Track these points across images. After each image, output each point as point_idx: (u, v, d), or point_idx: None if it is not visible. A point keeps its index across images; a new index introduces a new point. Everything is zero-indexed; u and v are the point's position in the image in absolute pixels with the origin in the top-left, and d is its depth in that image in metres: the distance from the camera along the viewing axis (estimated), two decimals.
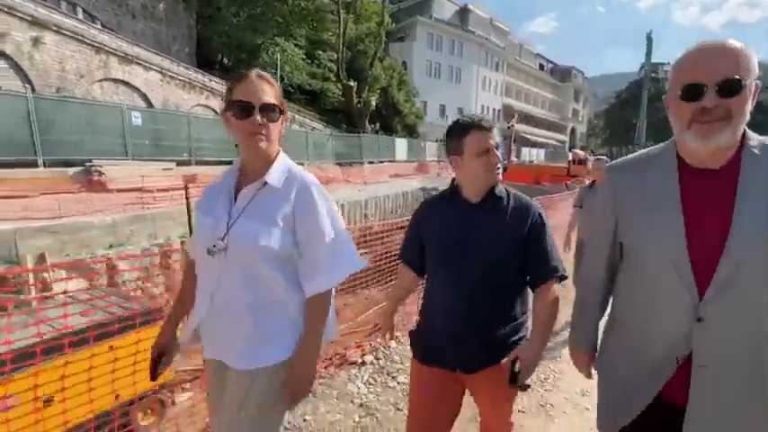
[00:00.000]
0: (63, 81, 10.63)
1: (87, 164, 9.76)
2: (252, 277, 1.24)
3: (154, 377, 1.44)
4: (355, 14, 26.63)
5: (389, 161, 25.29)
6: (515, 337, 1.56)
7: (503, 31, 52.51)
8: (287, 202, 1.25)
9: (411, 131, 31.55)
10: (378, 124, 27.05)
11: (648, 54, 42.69)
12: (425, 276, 1.77)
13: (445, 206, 1.65)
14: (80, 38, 10.83)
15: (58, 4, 11.98)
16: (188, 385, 5.05)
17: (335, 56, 25.81)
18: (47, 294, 6.77)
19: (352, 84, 24.16)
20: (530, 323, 1.60)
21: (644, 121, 41.30)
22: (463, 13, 46.03)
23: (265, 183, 1.26)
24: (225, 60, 23.31)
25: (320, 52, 25.72)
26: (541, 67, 65.19)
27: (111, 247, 8.55)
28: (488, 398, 1.64)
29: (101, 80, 11.77)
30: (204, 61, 20.84)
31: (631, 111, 56.84)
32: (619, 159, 1.34)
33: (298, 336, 1.30)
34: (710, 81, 1.00)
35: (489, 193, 1.57)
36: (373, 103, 25.62)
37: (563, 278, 1.54)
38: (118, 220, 8.54)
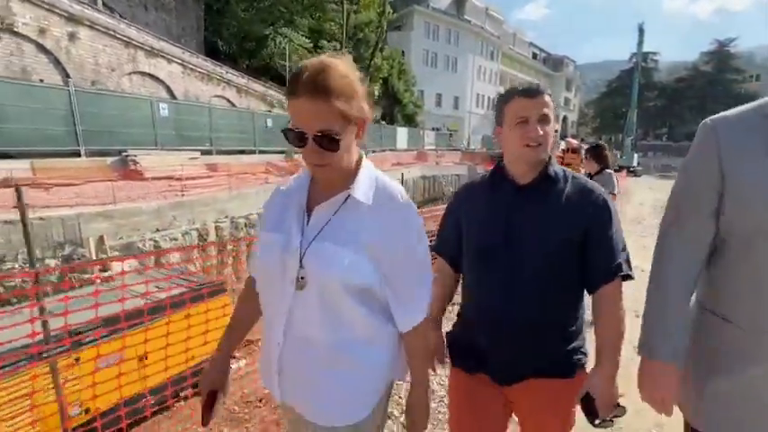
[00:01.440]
0: (97, 74, 11.15)
1: (123, 153, 10.39)
2: (330, 312, 1.03)
3: (206, 421, 1.20)
4: (357, 4, 27.02)
5: (390, 150, 26.00)
6: (569, 347, 1.34)
7: (497, 21, 52.89)
8: (376, 222, 1.02)
9: (410, 120, 32.18)
10: (380, 114, 27.68)
11: (640, 44, 43.47)
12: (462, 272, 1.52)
13: (489, 189, 1.41)
14: (111, 33, 11.32)
15: None
16: (238, 354, 5.77)
17: (337, 45, 26.24)
18: (109, 274, 7.52)
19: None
20: (584, 331, 1.39)
21: (635, 109, 42.29)
22: (459, 1, 46.30)
23: (348, 196, 1.03)
24: (227, 50, 23.64)
25: (324, 42, 26.12)
26: (534, 56, 65.85)
27: (157, 230, 9.30)
28: (532, 416, 1.40)
29: (129, 73, 12.29)
30: (210, 51, 21.20)
31: (621, 99, 57.88)
32: (721, 114, 1.07)
33: (382, 385, 1.13)
34: None
35: (541, 173, 1.32)
36: (376, 93, 26.19)
37: (628, 278, 1.28)
38: (163, 206, 9.27)
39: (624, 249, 1.29)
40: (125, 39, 11.71)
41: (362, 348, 1.06)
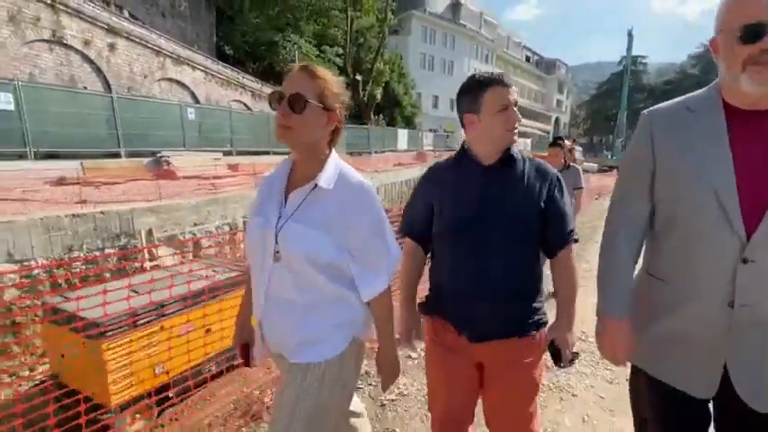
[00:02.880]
0: (132, 81, 11.93)
1: (158, 155, 11.22)
2: (300, 280, 1.22)
3: (248, 364, 1.51)
4: (359, 10, 27.90)
5: (391, 151, 26.89)
6: (532, 309, 1.45)
7: (492, 25, 53.87)
8: (338, 206, 1.20)
9: (408, 122, 33.07)
10: (381, 116, 28.56)
11: (629, 49, 44.83)
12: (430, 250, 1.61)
13: (456, 171, 1.51)
14: (144, 42, 12.12)
15: (107, 6, 13.14)
16: None
17: (340, 50, 27.13)
18: (156, 263, 8.37)
19: (358, 78, 25.57)
20: (544, 291, 1.52)
21: (624, 112, 43.58)
22: (455, 6, 47.23)
23: (315, 185, 1.20)
24: (234, 54, 24.45)
25: (327, 47, 26.96)
26: (528, 59, 66.80)
27: (195, 224, 10.20)
28: (502, 374, 1.48)
29: (159, 80, 13.09)
30: (218, 55, 22.00)
31: (612, 101, 59.22)
32: (656, 106, 1.25)
33: (347, 334, 1.31)
34: None
35: (504, 154, 1.44)
36: (378, 96, 27.09)
37: (576, 241, 1.47)
38: (200, 202, 10.17)
39: (573, 219, 1.48)
40: (156, 48, 12.51)
41: (328, 306, 1.27)
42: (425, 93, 40.44)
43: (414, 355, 3.26)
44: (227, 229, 10.86)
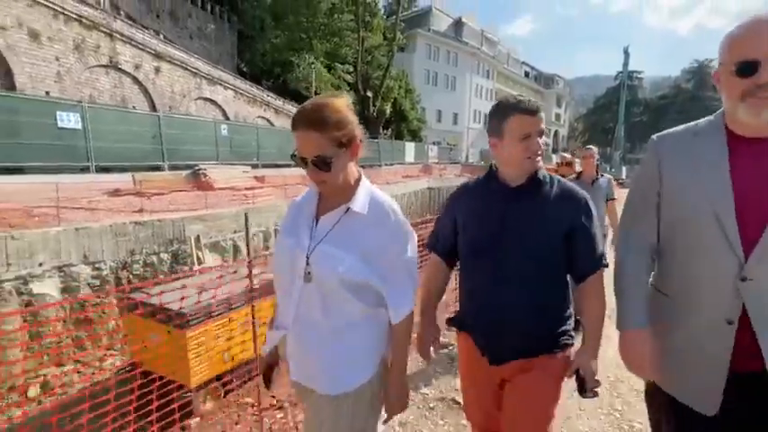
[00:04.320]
0: (173, 101, 12.86)
1: (195, 168, 12.09)
2: (330, 301, 1.22)
3: (268, 387, 1.47)
4: (370, 31, 29.11)
5: (399, 163, 27.78)
6: (558, 330, 1.45)
7: (492, 42, 55.21)
8: (372, 230, 1.22)
9: (414, 135, 34.04)
10: (390, 130, 29.59)
11: (625, 65, 45.93)
12: (458, 267, 1.63)
13: (483, 190, 1.53)
14: (184, 65, 13.09)
15: (144, 31, 14.13)
16: None
17: (350, 68, 28.24)
18: (205, 266, 9.15)
19: (369, 95, 26.65)
20: (572, 317, 1.51)
21: (622, 125, 44.59)
22: (458, 25, 48.49)
23: (348, 209, 1.21)
24: (249, 71, 25.58)
25: (338, 64, 28.08)
26: (527, 74, 68.14)
27: (235, 231, 11.05)
28: (520, 393, 1.46)
29: (196, 99, 14.04)
30: (237, 73, 23.13)
31: (609, 115, 60.30)
32: (664, 132, 1.29)
33: (376, 357, 1.30)
34: (765, 57, 0.99)
35: (531, 176, 1.44)
36: (387, 111, 28.13)
37: (606, 266, 1.45)
38: (239, 211, 11.02)
39: (603, 245, 1.46)
40: (194, 69, 13.47)
41: (356, 330, 1.25)
42: (429, 107, 41.38)
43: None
44: (261, 236, 11.71)
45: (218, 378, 3.62)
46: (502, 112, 1.41)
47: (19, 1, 9.44)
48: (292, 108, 20.43)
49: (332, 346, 1.25)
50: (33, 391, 5.09)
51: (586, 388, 1.38)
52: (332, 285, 1.20)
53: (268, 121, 18.01)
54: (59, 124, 8.57)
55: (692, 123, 1.24)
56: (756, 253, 1.04)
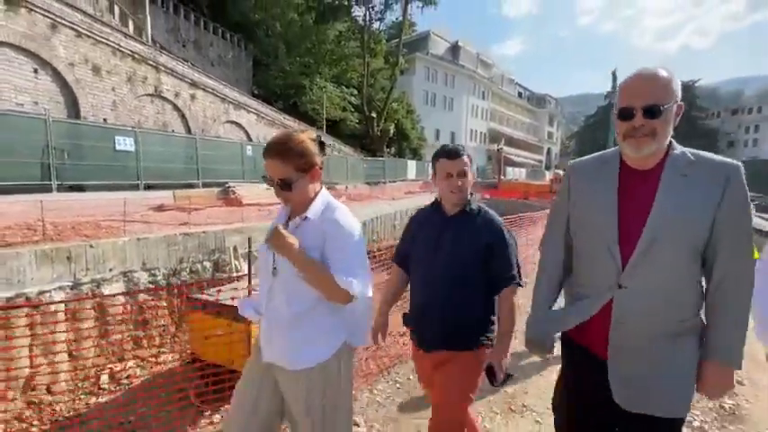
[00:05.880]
0: (205, 124, 13.88)
1: (225, 185, 13.06)
2: (291, 292, 1.45)
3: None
4: (374, 57, 30.56)
5: (402, 180, 28.81)
6: (480, 332, 1.73)
7: (488, 65, 56.94)
8: (323, 231, 1.45)
9: (415, 153, 35.20)
10: (393, 148, 30.79)
11: (614, 87, 47.80)
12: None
13: (429, 216, 1.87)
14: (214, 92, 14.18)
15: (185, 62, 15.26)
16: None
17: (354, 90, 29.61)
18: (242, 273, 10.00)
19: (373, 116, 27.94)
20: (494, 324, 1.75)
21: (612, 144, 46.15)
22: (455, 49, 50.12)
23: (306, 217, 1.46)
24: (260, 94, 26.89)
25: (344, 87, 29.40)
26: (520, 94, 69.55)
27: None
28: (443, 377, 1.74)
29: (224, 122, 15.10)
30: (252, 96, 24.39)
31: (599, 133, 61.65)
32: (578, 159, 1.51)
33: (334, 339, 1.52)
34: (638, 105, 1.18)
35: (462, 208, 1.76)
36: (391, 131, 29.39)
37: (519, 285, 1.70)
38: (268, 225, 12.05)
39: (517, 264, 1.72)
40: (222, 96, 14.57)
41: (314, 315, 1.48)
42: (428, 126, 42.33)
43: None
44: None
45: None
46: (435, 157, 1.80)
47: (85, 40, 10.54)
48: (306, 129, 21.53)
49: (293, 330, 1.47)
50: (105, 381, 5.75)
51: (495, 379, 1.61)
52: (292, 278, 1.43)
53: None
54: (117, 147, 9.56)
55: (601, 152, 1.45)
56: (629, 266, 1.23)
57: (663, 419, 1.25)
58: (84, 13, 10.84)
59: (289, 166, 1.42)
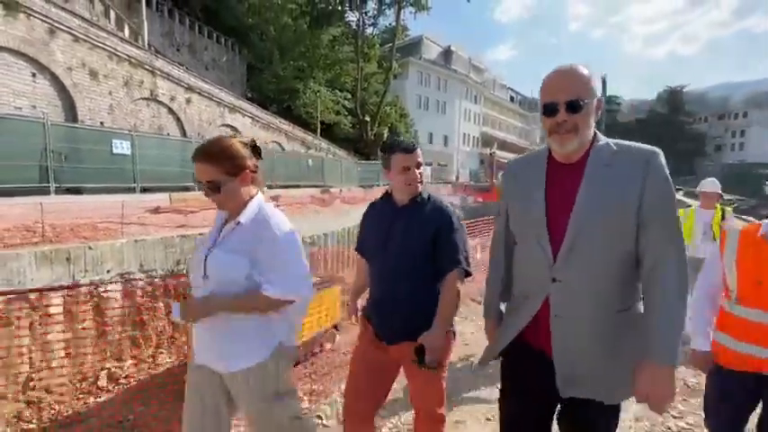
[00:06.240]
0: (200, 128, 13.98)
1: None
2: (221, 293, 1.44)
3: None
4: (368, 62, 30.82)
5: None
6: (432, 318, 1.68)
7: (479, 69, 57.29)
8: (256, 237, 1.44)
9: None
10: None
11: (603, 93, 48.36)
12: None
13: (381, 207, 1.90)
14: (210, 96, 14.31)
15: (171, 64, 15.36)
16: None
17: (348, 94, 29.80)
18: None
19: (367, 120, 28.17)
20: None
21: None
22: (447, 53, 50.36)
23: (239, 222, 1.46)
24: (253, 97, 27.04)
25: (337, 91, 29.61)
26: (512, 98, 70.11)
27: None
28: (410, 369, 1.75)
29: (219, 125, 15.20)
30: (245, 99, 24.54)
31: None
32: (514, 158, 1.54)
33: (269, 341, 1.51)
34: (561, 100, 1.19)
35: (412, 198, 1.78)
36: (385, 134, 29.61)
37: (467, 273, 1.72)
38: None
39: (465, 251, 1.73)
40: (218, 99, 14.70)
41: (243, 319, 1.46)
42: (421, 130, 42.36)
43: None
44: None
45: None
46: (389, 150, 1.79)
47: (83, 45, 10.65)
48: (300, 133, 21.71)
49: (226, 333, 1.47)
50: (103, 380, 5.82)
51: (425, 361, 1.60)
52: (221, 282, 1.43)
53: (279, 145, 19.26)
54: (114, 150, 9.66)
55: (535, 151, 1.45)
56: (560, 259, 1.24)
57: (603, 405, 1.27)
58: (82, 18, 10.96)
59: (216, 169, 1.43)
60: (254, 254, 1.44)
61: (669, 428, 2.87)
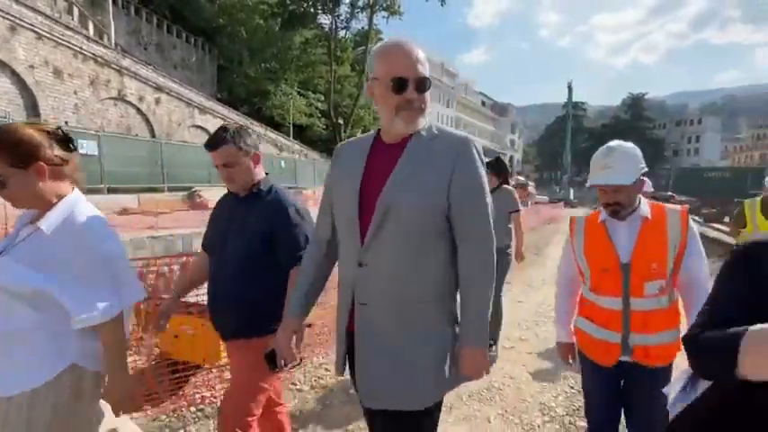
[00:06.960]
0: (170, 128, 13.79)
1: (191, 189, 13.11)
2: (4, 308, 1.21)
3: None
4: (341, 65, 31.06)
5: None
6: (272, 317, 1.55)
7: (452, 74, 58.89)
8: (58, 246, 1.22)
9: None
10: None
11: (569, 99, 50.55)
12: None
13: (223, 201, 1.86)
14: (179, 96, 14.14)
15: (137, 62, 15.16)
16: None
17: (321, 96, 29.96)
18: None
19: (340, 122, 28.40)
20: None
21: (568, 153, 48.78)
22: None
23: (38, 228, 1.22)
24: (228, 99, 26.78)
25: (310, 93, 29.71)
26: (483, 103, 72.38)
27: None
28: (236, 364, 1.75)
29: (189, 126, 15.03)
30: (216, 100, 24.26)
31: (558, 141, 64.81)
32: (344, 141, 1.45)
33: (56, 362, 1.25)
34: (412, 77, 1.15)
35: (250, 191, 1.71)
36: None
37: None
38: None
39: (306, 245, 1.58)
40: (187, 100, 14.54)
41: (25, 337, 1.23)
42: None
43: None
44: None
45: None
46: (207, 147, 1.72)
47: (46, 43, 10.39)
48: (272, 134, 21.67)
49: (4, 350, 1.24)
50: None
51: (276, 364, 1.48)
52: (8, 293, 1.21)
53: None
54: (80, 151, 9.45)
55: (364, 135, 1.38)
56: (366, 241, 1.19)
57: (403, 412, 1.20)
58: (45, 15, 10.71)
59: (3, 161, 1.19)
60: (52, 266, 1.21)
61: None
